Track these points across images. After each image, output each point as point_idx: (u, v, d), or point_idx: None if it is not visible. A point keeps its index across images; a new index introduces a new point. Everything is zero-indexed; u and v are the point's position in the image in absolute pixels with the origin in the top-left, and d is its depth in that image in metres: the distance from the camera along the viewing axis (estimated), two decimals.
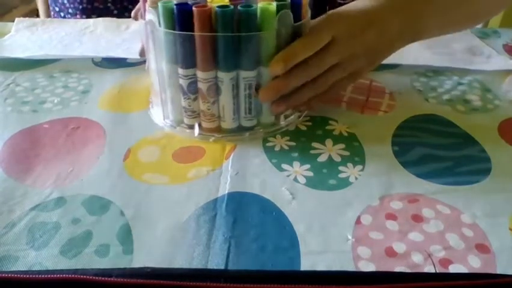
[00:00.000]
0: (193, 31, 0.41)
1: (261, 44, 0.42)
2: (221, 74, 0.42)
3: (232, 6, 0.40)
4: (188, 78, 0.43)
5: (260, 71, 0.43)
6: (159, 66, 0.44)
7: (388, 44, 0.47)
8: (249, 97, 0.44)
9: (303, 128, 0.48)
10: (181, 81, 0.44)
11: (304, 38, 0.43)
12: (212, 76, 0.43)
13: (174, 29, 0.41)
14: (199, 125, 0.46)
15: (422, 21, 0.48)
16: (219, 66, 0.42)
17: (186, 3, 0.41)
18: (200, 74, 0.43)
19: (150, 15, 0.42)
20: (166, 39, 0.42)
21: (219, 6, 0.40)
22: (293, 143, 0.46)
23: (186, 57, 0.42)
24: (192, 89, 0.44)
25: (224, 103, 0.44)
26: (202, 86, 0.43)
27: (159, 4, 0.41)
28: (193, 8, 0.40)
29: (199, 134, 0.46)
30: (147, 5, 0.43)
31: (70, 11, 0.87)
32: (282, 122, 0.48)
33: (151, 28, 0.43)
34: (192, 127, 0.46)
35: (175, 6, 0.40)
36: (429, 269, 0.33)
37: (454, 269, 0.33)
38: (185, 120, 0.46)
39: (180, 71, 0.43)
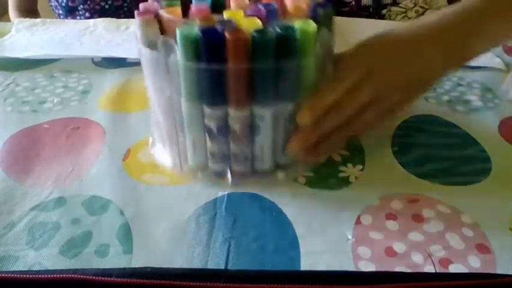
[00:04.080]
0: (224, 62, 0.33)
1: (303, 71, 0.36)
2: (260, 110, 0.36)
3: (270, 29, 0.33)
4: (218, 119, 0.36)
5: (299, 101, 0.37)
6: (174, 104, 0.37)
7: (431, 74, 0.42)
8: (288, 132, 0.38)
9: None
10: (207, 122, 0.37)
11: (335, 78, 0.38)
12: (248, 113, 0.36)
13: (198, 60, 0.34)
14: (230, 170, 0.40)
15: (468, 43, 0.42)
16: (257, 101, 0.36)
17: (214, 29, 0.33)
18: (234, 113, 0.36)
19: (162, 44, 0.35)
20: (188, 73, 0.35)
21: (256, 31, 0.33)
22: None
23: (215, 93, 0.35)
24: (223, 131, 0.37)
25: (263, 142, 0.38)
26: (235, 125, 0.36)
27: (178, 32, 0.33)
28: (227, 36, 0.32)
29: (232, 181, 0.40)
30: (152, 29, 0.35)
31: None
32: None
33: (164, 60, 0.35)
34: (219, 174, 0.40)
35: (200, 34, 0.33)
36: (429, 269, 0.33)
37: (454, 269, 0.33)
38: (212, 166, 0.40)
39: (207, 110, 0.36)
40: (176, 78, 0.35)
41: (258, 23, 0.34)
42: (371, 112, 0.39)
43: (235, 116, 0.36)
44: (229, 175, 0.40)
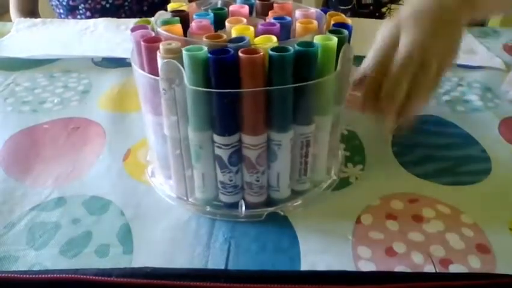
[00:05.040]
0: (237, 85, 0.30)
1: (323, 90, 0.33)
2: (278, 136, 0.33)
3: (290, 48, 0.30)
4: (231, 147, 0.33)
5: (317, 122, 0.35)
6: (181, 133, 0.34)
7: (460, 34, 0.44)
8: (305, 156, 0.36)
9: None
10: (218, 151, 0.33)
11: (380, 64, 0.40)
12: (264, 140, 0.33)
13: (207, 84, 0.30)
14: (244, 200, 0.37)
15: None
16: (274, 126, 0.33)
17: (225, 49, 0.29)
18: (248, 140, 0.33)
19: (166, 68, 0.30)
20: (196, 99, 0.31)
21: (274, 49, 0.30)
22: None
23: (228, 121, 0.32)
24: (235, 160, 0.34)
25: (280, 170, 0.35)
26: (250, 153, 0.33)
27: (184, 53, 0.29)
28: (241, 56, 0.29)
29: (246, 212, 0.37)
30: (158, 54, 0.31)
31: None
32: (333, 175, 0.41)
33: (168, 85, 0.31)
34: (231, 205, 0.37)
35: (210, 55, 0.29)
36: (429, 269, 0.33)
37: (454, 269, 0.33)
38: (223, 198, 0.37)
39: (218, 138, 0.33)
40: (183, 105, 0.32)
41: (273, 39, 0.32)
42: (422, 77, 0.40)
43: (250, 143, 0.33)
44: (242, 207, 0.37)
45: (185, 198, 0.38)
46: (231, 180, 0.35)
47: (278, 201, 0.37)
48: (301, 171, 0.37)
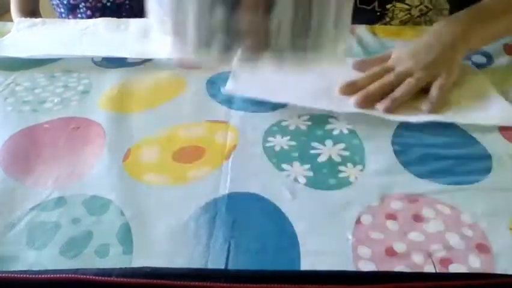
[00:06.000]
0: None
1: None
2: None
3: None
4: None
5: None
6: None
7: (453, 54, 0.54)
8: (309, 4, 0.32)
9: (303, 127, 0.48)
10: None
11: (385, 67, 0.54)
12: None
13: None
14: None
15: (488, 23, 0.56)
16: None
17: None
18: None
19: None
20: None
21: None
22: (293, 143, 0.46)
23: None
24: None
25: (281, 16, 0.31)
26: None
27: None
28: None
29: (241, 58, 0.34)
30: None
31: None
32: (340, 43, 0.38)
33: None
34: (226, 49, 0.33)
35: None
36: (429, 269, 0.33)
37: (454, 269, 0.33)
38: (218, 41, 0.33)
39: None
40: None
41: None
42: (404, 85, 0.51)
43: None
44: (238, 50, 0.33)
45: (178, 48, 0.35)
46: (226, 21, 0.31)
47: (277, 50, 0.34)
48: (305, 24, 0.33)
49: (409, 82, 0.51)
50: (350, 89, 0.52)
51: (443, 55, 0.54)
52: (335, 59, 0.40)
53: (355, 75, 0.54)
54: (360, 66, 0.57)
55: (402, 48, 0.57)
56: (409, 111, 0.50)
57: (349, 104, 0.50)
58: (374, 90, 0.51)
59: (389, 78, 0.52)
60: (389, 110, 0.49)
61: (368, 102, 0.50)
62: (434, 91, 0.51)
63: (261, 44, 0.34)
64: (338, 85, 0.52)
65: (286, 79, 0.52)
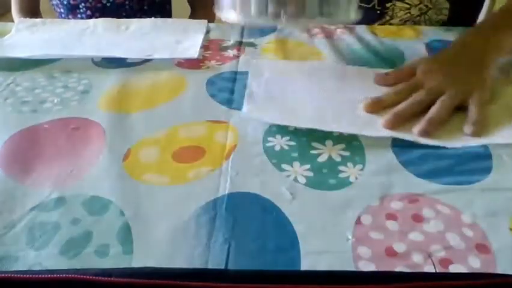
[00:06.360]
0: None
1: None
2: None
3: None
4: None
5: None
6: None
7: (481, 63, 0.51)
8: None
9: (303, 127, 0.48)
10: None
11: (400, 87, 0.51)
12: None
13: None
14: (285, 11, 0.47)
15: (502, 41, 0.53)
16: None
17: None
18: None
19: None
20: None
21: None
22: (293, 143, 0.46)
23: None
24: None
25: None
26: None
27: None
28: None
29: (286, 22, 0.47)
30: None
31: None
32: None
33: None
34: (276, 15, 0.47)
35: None
36: (429, 269, 0.33)
37: (454, 269, 0.33)
38: (270, 9, 0.46)
39: None
40: None
41: None
42: (439, 103, 0.48)
43: None
44: (283, 16, 0.46)
45: (242, 16, 0.49)
46: None
47: (310, 16, 0.47)
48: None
49: (443, 101, 0.47)
50: (376, 106, 0.49)
51: (474, 67, 0.50)
52: (350, 19, 0.50)
53: (378, 90, 0.52)
54: (383, 80, 0.53)
55: (428, 61, 0.53)
56: (448, 134, 0.46)
57: (376, 127, 0.46)
58: (404, 109, 0.47)
59: (420, 96, 0.48)
60: (427, 133, 0.45)
61: (399, 122, 0.46)
62: (473, 109, 0.47)
63: (299, 12, 0.47)
64: (361, 103, 0.49)
65: (305, 99, 0.51)
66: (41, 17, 0.86)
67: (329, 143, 0.46)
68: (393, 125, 0.46)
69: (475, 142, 0.45)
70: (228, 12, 0.50)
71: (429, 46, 0.65)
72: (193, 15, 0.99)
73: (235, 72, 0.58)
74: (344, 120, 0.48)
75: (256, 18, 0.48)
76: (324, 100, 0.51)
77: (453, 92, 0.48)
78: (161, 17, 0.78)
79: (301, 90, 0.53)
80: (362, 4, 0.80)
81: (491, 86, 0.50)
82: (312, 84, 0.54)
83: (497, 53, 0.52)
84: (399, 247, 0.34)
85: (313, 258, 0.34)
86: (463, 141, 0.45)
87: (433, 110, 0.47)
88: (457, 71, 0.50)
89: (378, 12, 0.79)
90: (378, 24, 0.77)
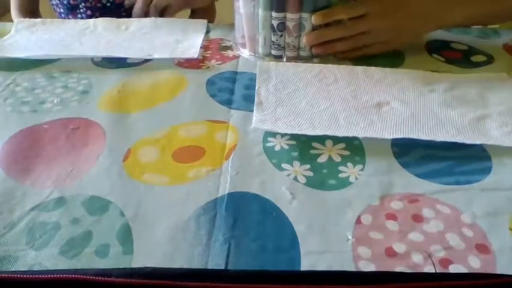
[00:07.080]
0: None
1: None
2: (306, 15, 0.57)
3: None
4: (279, 20, 0.58)
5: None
6: (255, 11, 0.59)
7: (414, 26, 0.60)
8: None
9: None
10: (273, 22, 0.58)
11: (343, 5, 0.57)
12: (297, 17, 0.57)
13: None
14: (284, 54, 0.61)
15: (447, 10, 0.59)
16: (304, 9, 0.57)
17: None
18: (289, 15, 0.57)
19: None
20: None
21: None
22: (293, 143, 0.46)
23: (279, 3, 0.56)
24: (281, 28, 0.58)
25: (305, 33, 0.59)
26: (289, 24, 0.58)
27: None
28: None
29: (287, 61, 0.61)
30: None
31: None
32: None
33: None
34: (277, 57, 0.61)
35: None
36: (429, 269, 0.33)
37: (454, 269, 0.33)
38: (273, 52, 0.61)
39: (274, 14, 0.57)
40: None
41: None
42: (364, 39, 0.59)
43: (290, 17, 0.57)
44: (284, 57, 0.61)
45: (253, 54, 0.63)
46: (277, 41, 0.60)
47: (304, 57, 0.61)
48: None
49: (354, 23, 0.58)
50: (326, 17, 0.57)
51: (411, 25, 0.59)
52: None
53: (388, 91, 0.53)
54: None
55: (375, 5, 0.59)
56: (445, 131, 0.46)
57: (391, 131, 0.46)
58: (328, 30, 0.57)
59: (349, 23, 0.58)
60: (308, 42, 0.59)
61: (318, 40, 0.59)
62: (347, 25, 0.58)
63: (296, 56, 0.61)
64: (374, 108, 0.50)
65: (318, 104, 0.50)
66: (40, 17, 0.86)
67: (328, 143, 0.46)
68: (313, 40, 0.58)
69: (471, 140, 0.45)
70: (241, 51, 0.64)
71: (429, 46, 0.65)
72: (193, 15, 0.99)
73: (235, 72, 0.58)
74: (358, 125, 0.47)
75: (263, 56, 0.62)
76: (337, 105, 0.51)
77: (372, 25, 0.58)
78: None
79: (312, 95, 0.52)
80: None
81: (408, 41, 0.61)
82: (323, 87, 0.54)
83: (437, 21, 0.60)
84: (399, 247, 0.34)
85: (313, 258, 0.34)
86: (461, 138, 0.45)
87: (332, 28, 0.58)
88: (398, 22, 0.59)
89: None
90: None
